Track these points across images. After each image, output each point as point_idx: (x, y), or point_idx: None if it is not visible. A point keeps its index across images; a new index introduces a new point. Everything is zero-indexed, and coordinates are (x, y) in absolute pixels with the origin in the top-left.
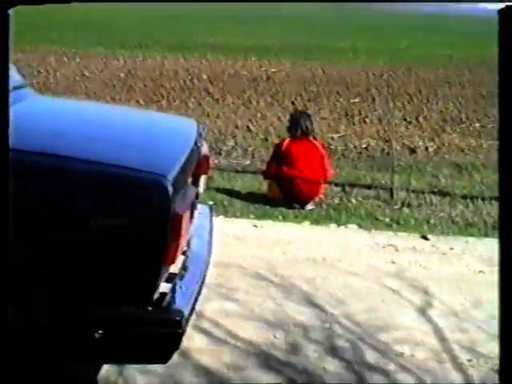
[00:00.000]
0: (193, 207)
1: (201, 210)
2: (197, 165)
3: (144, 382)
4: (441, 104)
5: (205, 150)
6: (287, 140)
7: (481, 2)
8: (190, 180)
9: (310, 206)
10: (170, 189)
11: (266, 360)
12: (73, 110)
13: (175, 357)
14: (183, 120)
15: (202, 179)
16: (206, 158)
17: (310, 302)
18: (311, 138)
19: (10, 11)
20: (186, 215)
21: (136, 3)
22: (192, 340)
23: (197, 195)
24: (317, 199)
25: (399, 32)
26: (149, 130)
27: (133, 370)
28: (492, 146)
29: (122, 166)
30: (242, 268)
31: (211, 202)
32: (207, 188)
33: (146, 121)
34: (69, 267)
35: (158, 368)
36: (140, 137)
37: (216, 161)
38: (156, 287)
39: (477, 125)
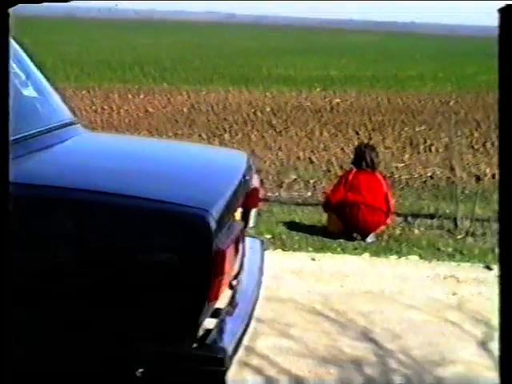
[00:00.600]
0: (238, 242)
1: (251, 244)
2: (245, 198)
3: None
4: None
5: (254, 182)
6: (354, 170)
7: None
8: (237, 214)
9: (370, 239)
10: (213, 223)
11: None
12: (121, 146)
13: None
14: (232, 153)
15: (252, 212)
16: (256, 190)
17: (366, 337)
18: (376, 171)
19: (11, 10)
20: (230, 250)
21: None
22: (244, 377)
23: (245, 229)
24: (378, 231)
25: (467, 57)
26: (196, 163)
27: None
28: None
29: (164, 202)
30: (297, 303)
31: (268, 236)
32: (265, 222)
33: (194, 155)
34: (113, 304)
35: None
36: (186, 171)
37: (277, 193)
38: (198, 324)
39: None
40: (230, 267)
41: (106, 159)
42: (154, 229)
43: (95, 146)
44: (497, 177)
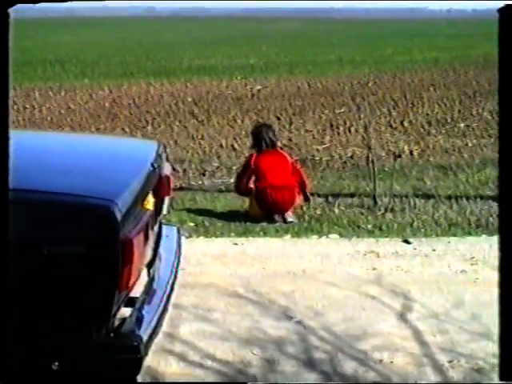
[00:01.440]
0: (148, 230)
1: (168, 232)
2: (157, 187)
3: None
4: (426, 107)
5: (166, 171)
6: (254, 155)
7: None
8: (148, 203)
9: (290, 218)
10: (118, 213)
11: (242, 379)
12: (28, 142)
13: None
14: (142, 143)
15: (165, 201)
16: (168, 179)
17: (287, 316)
18: (278, 148)
19: (10, 11)
20: (138, 239)
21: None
22: (168, 364)
23: (158, 217)
24: (296, 208)
25: (384, 40)
26: (103, 155)
27: None
28: (476, 145)
29: (70, 194)
30: (219, 287)
31: (192, 224)
32: (190, 209)
33: (102, 146)
34: (24, 299)
35: None
36: (93, 163)
37: (200, 182)
38: (111, 314)
39: (462, 125)
40: (140, 256)
41: (12, 155)
42: (61, 221)
43: None
44: (415, 153)
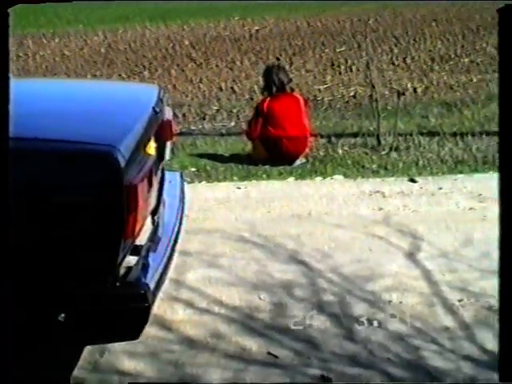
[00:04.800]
0: (152, 176)
1: (171, 177)
2: (158, 131)
3: (129, 359)
4: (428, 43)
5: (167, 115)
6: (267, 99)
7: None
8: (150, 148)
9: (298, 162)
10: (121, 159)
11: (250, 324)
12: (24, 89)
13: (158, 331)
14: (141, 87)
15: (168, 145)
16: (169, 123)
17: (295, 260)
18: (289, 90)
19: (10, 11)
20: (143, 185)
21: None
22: (175, 311)
23: (161, 163)
24: (304, 154)
25: None
26: (103, 101)
27: (116, 347)
28: (481, 80)
29: (70, 141)
30: (224, 232)
31: (193, 169)
32: (190, 154)
33: (101, 92)
34: (28, 248)
35: (140, 344)
36: (93, 109)
37: (200, 126)
38: (117, 262)
39: (465, 60)
40: (145, 202)
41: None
42: (62, 169)
43: None
44: (419, 90)
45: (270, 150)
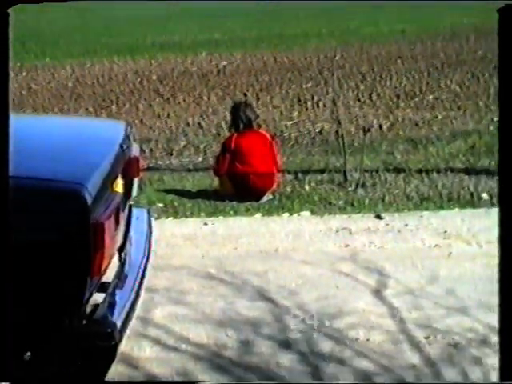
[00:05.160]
0: (119, 213)
1: (138, 214)
2: (125, 168)
3: None
4: (394, 80)
5: (134, 152)
6: (235, 135)
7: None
8: (117, 185)
9: (266, 198)
10: (88, 197)
11: (218, 361)
12: None
13: (125, 369)
14: (109, 123)
15: (135, 182)
16: (136, 160)
17: (262, 297)
18: (256, 127)
19: (10, 11)
20: (109, 223)
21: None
22: (142, 349)
23: (128, 200)
24: (271, 190)
25: (349, 12)
26: (71, 137)
27: None
28: (446, 117)
29: (37, 178)
30: (191, 269)
31: (161, 204)
32: (158, 190)
33: (69, 128)
34: None
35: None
36: (60, 145)
37: (167, 161)
38: (84, 300)
39: (430, 97)
40: (111, 240)
41: None
42: (29, 207)
43: None
44: (384, 127)
45: (237, 185)
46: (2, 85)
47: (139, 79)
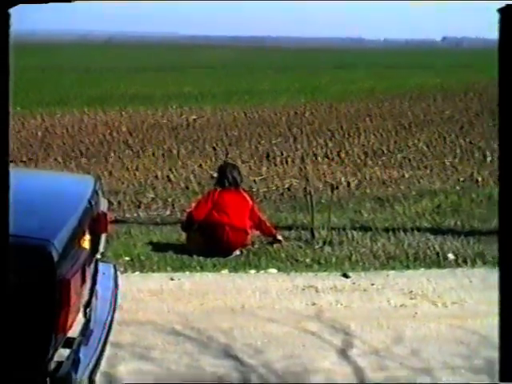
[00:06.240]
0: (85, 269)
1: (104, 269)
2: (93, 224)
3: None
4: (362, 138)
5: (102, 207)
6: (219, 189)
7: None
8: (84, 241)
9: (233, 254)
10: (55, 254)
11: None
12: None
13: None
14: (77, 178)
15: (102, 238)
16: (104, 215)
17: (227, 354)
18: (240, 189)
19: (11, 11)
20: (76, 279)
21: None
22: None
23: (95, 256)
24: (243, 246)
25: (319, 69)
26: (39, 192)
27: None
28: (413, 176)
29: None
30: (157, 324)
31: (127, 258)
32: (125, 243)
33: (38, 182)
34: None
35: None
36: (28, 200)
37: (135, 214)
38: (48, 357)
39: (398, 156)
40: (77, 296)
41: None
42: None
43: None
44: (352, 184)
45: (209, 236)
46: (2, 85)
47: (109, 131)
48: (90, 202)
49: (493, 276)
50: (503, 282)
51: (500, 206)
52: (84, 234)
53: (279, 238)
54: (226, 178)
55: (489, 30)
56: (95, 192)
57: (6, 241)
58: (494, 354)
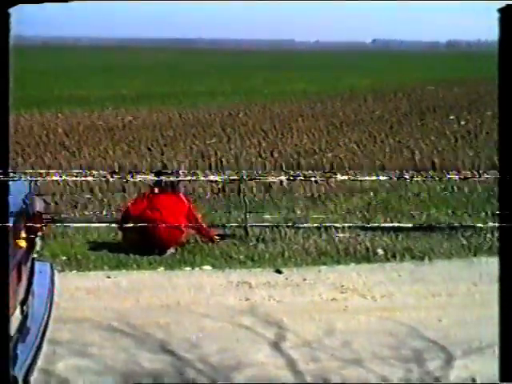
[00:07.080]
0: (21, 268)
1: (41, 268)
2: (28, 223)
3: None
4: (295, 137)
5: (37, 207)
6: (155, 189)
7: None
8: (20, 240)
9: (168, 252)
10: None
11: None
12: None
13: None
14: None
15: (38, 237)
16: (39, 215)
17: (163, 349)
18: (178, 191)
19: (11, 11)
20: (11, 277)
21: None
22: None
23: (31, 254)
24: (178, 243)
25: (253, 71)
26: None
27: None
28: (344, 175)
29: None
30: (94, 321)
31: (64, 258)
32: (61, 243)
33: None
34: None
35: None
36: None
37: (72, 214)
38: None
39: (329, 155)
40: (13, 294)
41: None
42: None
43: None
44: (284, 183)
45: (144, 234)
46: (2, 85)
47: (45, 132)
48: (24, 202)
49: (420, 270)
50: (503, 282)
51: (500, 202)
52: (19, 234)
53: (216, 238)
54: (164, 181)
55: (417, 33)
56: (30, 192)
57: (5, 241)
58: (421, 344)
